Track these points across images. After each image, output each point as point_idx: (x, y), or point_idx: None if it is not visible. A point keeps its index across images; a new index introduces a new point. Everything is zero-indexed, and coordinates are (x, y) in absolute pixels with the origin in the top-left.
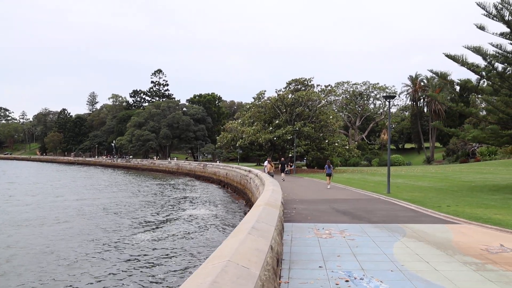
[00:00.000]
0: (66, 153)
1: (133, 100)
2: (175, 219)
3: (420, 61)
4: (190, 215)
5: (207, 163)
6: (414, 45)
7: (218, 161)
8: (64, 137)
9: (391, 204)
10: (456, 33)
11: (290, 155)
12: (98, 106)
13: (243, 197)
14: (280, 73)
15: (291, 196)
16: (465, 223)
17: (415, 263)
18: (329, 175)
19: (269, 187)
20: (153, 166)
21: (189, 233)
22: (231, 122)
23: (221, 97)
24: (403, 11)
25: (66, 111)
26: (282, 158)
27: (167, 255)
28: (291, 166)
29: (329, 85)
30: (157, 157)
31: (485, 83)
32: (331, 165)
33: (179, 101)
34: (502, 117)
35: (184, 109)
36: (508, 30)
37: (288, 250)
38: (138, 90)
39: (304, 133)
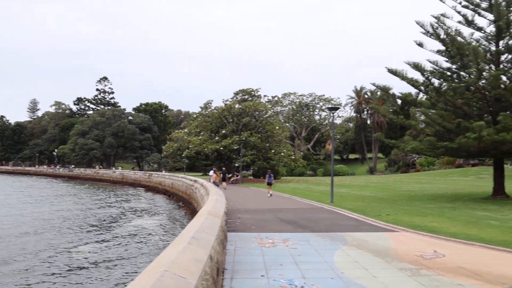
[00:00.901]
0: (3, 162)
1: (77, 108)
2: (117, 230)
3: (366, 75)
4: (133, 226)
5: (152, 172)
6: (362, 58)
7: (164, 171)
8: (2, 146)
9: (334, 213)
10: (403, 48)
11: (236, 164)
12: (39, 113)
13: (188, 207)
14: (230, 83)
15: (236, 205)
16: (403, 231)
17: (354, 270)
18: (269, 184)
19: (213, 197)
20: (97, 175)
21: (131, 243)
22: (177, 131)
23: (167, 106)
24: (353, 25)
25: (4, 118)
26: (224, 168)
27: (106, 267)
28: (237, 175)
29: (275, 96)
30: (100, 166)
31: (424, 97)
32: (271, 175)
33: (124, 109)
34: (438, 130)
35: (130, 117)
36: (443, 48)
37: (232, 260)
38: (82, 97)
39: (251, 143)
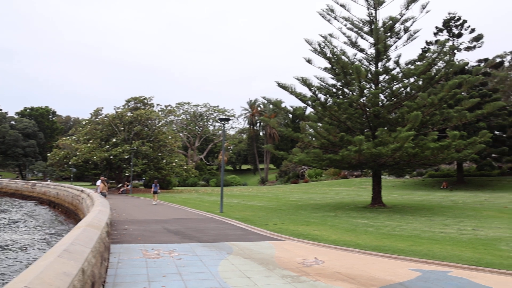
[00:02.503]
0: None
1: None
2: None
3: (263, 87)
4: (8, 240)
5: (36, 182)
6: (260, 71)
7: (49, 180)
8: None
9: (223, 223)
10: (299, 63)
11: (127, 174)
12: None
13: (74, 218)
14: (122, 90)
15: (124, 216)
16: (288, 239)
17: (237, 279)
18: (155, 193)
19: (96, 208)
20: None
21: (2, 260)
22: (65, 138)
23: (55, 111)
24: (248, 37)
25: None
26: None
27: None
28: (127, 185)
29: (169, 105)
30: None
31: (312, 112)
32: (157, 184)
33: (6, 113)
34: (323, 142)
35: (12, 122)
36: (330, 65)
37: (114, 273)
38: None
39: (142, 152)
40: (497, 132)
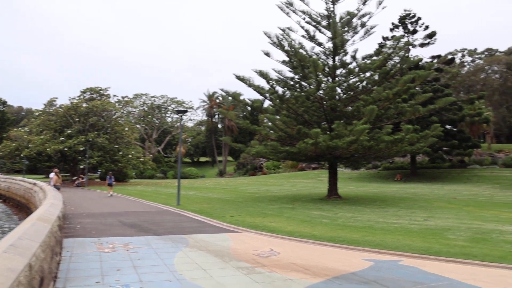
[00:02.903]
0: None
1: None
2: None
3: (222, 79)
4: None
5: None
6: (219, 63)
7: None
8: None
9: (179, 216)
10: (259, 56)
11: (82, 166)
12: None
13: (26, 212)
14: (78, 80)
15: (79, 209)
16: (244, 231)
17: (193, 271)
18: (110, 185)
19: (48, 201)
20: None
21: None
22: (16, 129)
23: (6, 102)
24: (211, 28)
25: None
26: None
27: None
28: (82, 178)
29: (126, 96)
30: None
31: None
32: (112, 176)
33: None
34: (281, 135)
35: None
36: (288, 58)
37: (66, 267)
38: None
39: (98, 144)
40: (448, 126)
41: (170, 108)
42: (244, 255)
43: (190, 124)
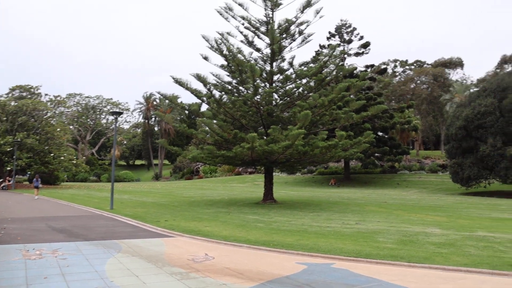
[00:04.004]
0: None
1: None
2: None
3: (160, 81)
4: None
5: None
6: (157, 64)
7: None
8: None
9: (112, 220)
10: (198, 59)
11: (8, 168)
12: None
13: None
14: (5, 77)
15: (3, 214)
16: (178, 236)
17: (125, 278)
18: (36, 187)
19: None
20: None
21: None
22: None
23: None
24: (146, 30)
25: None
26: None
27: None
28: (9, 181)
29: (58, 95)
30: None
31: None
32: (39, 179)
33: None
34: (217, 139)
35: None
36: (226, 63)
37: None
38: None
39: (27, 145)
40: (380, 133)
41: (105, 109)
42: (178, 260)
43: (126, 126)
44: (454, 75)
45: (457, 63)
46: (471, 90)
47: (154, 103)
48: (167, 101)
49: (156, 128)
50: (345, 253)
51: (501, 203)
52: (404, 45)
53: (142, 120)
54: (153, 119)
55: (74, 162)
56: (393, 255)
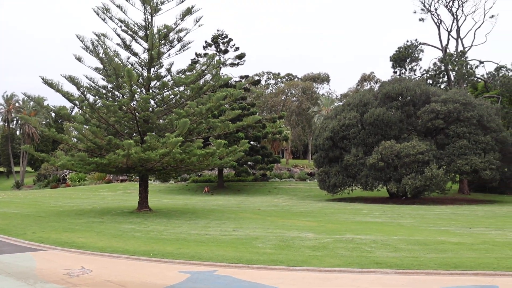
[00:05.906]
0: None
1: None
2: None
3: (24, 81)
4: None
5: None
6: (21, 62)
7: None
8: None
9: None
10: (72, 61)
11: None
12: None
13: None
14: None
15: None
16: (50, 249)
17: None
18: None
19: None
20: None
21: None
22: None
23: None
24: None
25: None
26: None
27: None
28: None
29: None
30: None
31: (79, 112)
32: None
33: None
34: (90, 145)
35: None
36: (101, 66)
37: None
38: None
39: None
40: (252, 142)
41: None
42: (52, 276)
43: None
44: (321, 89)
45: (324, 78)
46: (336, 104)
47: (17, 104)
48: (31, 103)
49: (18, 132)
50: (227, 260)
51: (363, 208)
52: (277, 58)
53: (2, 123)
54: (15, 122)
55: None
56: (273, 260)
